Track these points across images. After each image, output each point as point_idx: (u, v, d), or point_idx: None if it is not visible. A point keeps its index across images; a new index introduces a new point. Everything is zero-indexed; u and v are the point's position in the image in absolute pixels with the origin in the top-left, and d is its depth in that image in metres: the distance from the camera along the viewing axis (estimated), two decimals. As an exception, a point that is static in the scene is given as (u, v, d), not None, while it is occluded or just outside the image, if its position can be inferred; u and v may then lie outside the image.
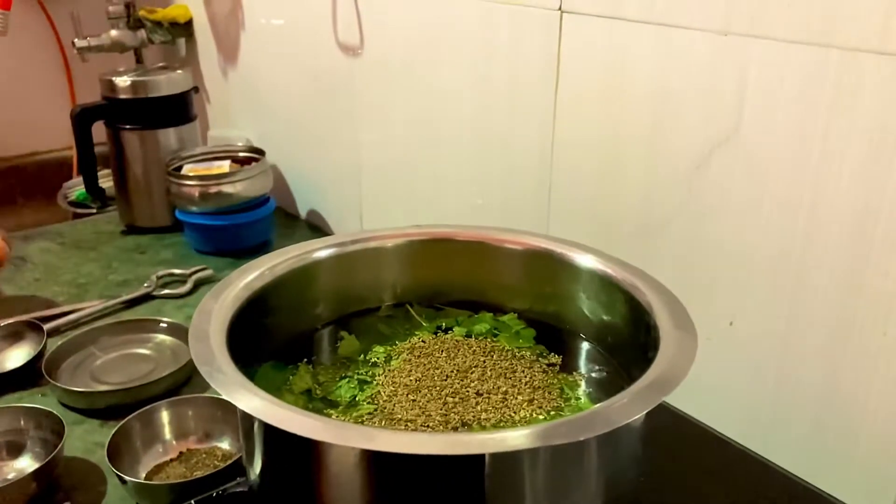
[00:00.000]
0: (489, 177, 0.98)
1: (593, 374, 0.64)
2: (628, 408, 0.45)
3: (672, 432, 0.72)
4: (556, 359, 0.66)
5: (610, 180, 0.82)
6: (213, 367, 0.47)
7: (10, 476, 0.75)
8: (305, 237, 1.33)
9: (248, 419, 0.49)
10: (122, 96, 1.30)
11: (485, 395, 0.58)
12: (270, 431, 0.45)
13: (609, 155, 0.82)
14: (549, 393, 0.60)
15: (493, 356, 0.64)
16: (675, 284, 0.60)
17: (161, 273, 1.17)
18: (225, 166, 1.26)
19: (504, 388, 0.59)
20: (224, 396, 0.44)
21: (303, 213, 1.41)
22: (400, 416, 0.56)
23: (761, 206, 0.69)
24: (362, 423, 0.56)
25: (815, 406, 0.70)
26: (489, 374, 0.61)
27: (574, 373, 0.64)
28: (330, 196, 1.33)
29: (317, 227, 1.37)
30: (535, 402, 0.58)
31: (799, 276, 0.68)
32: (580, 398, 0.61)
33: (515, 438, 0.43)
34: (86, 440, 0.82)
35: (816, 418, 0.70)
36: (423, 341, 0.65)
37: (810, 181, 0.65)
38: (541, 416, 0.57)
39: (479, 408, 0.57)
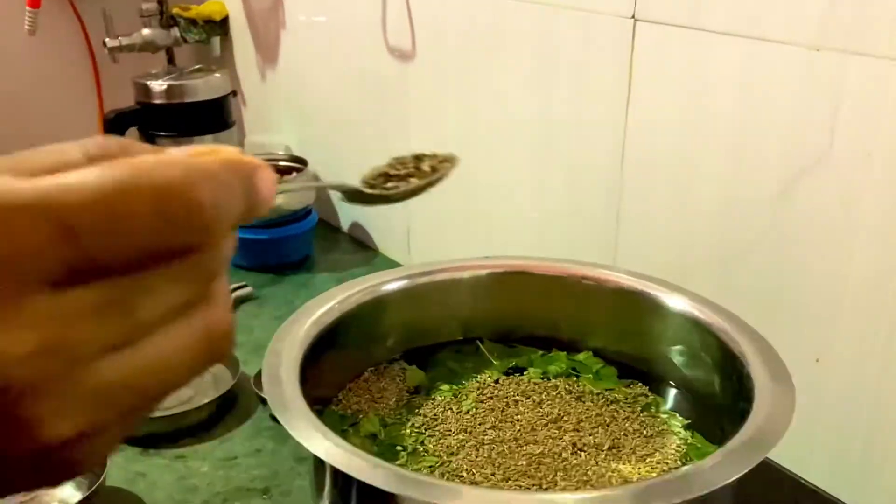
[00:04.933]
0: (550, 195, 0.93)
1: (684, 421, 0.60)
2: (725, 468, 0.44)
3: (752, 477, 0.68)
4: (651, 398, 0.60)
5: (685, 204, 0.78)
6: (289, 413, 0.46)
7: (52, 507, 0.72)
8: (348, 252, 1.29)
9: (321, 464, 0.46)
10: (157, 101, 1.27)
11: (588, 450, 0.53)
12: (348, 481, 0.43)
13: (684, 176, 0.77)
14: (662, 440, 0.55)
15: (583, 401, 0.58)
16: (754, 317, 0.58)
17: (199, 289, 1.13)
18: (266, 177, 1.23)
19: (607, 443, 0.54)
20: (305, 446, 0.43)
21: (345, 225, 1.38)
22: (465, 474, 0.51)
23: (855, 235, 0.65)
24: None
25: (914, 454, 0.65)
26: (585, 423, 0.56)
27: (677, 416, 0.59)
28: (375, 209, 1.29)
29: (360, 242, 1.33)
30: (648, 458, 0.53)
31: (897, 311, 0.63)
32: (689, 448, 0.56)
33: (609, 499, 0.42)
34: (127, 469, 0.79)
35: (916, 467, 0.65)
36: (495, 381, 0.60)
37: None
38: (665, 469, 0.53)
39: (580, 470, 0.51)
